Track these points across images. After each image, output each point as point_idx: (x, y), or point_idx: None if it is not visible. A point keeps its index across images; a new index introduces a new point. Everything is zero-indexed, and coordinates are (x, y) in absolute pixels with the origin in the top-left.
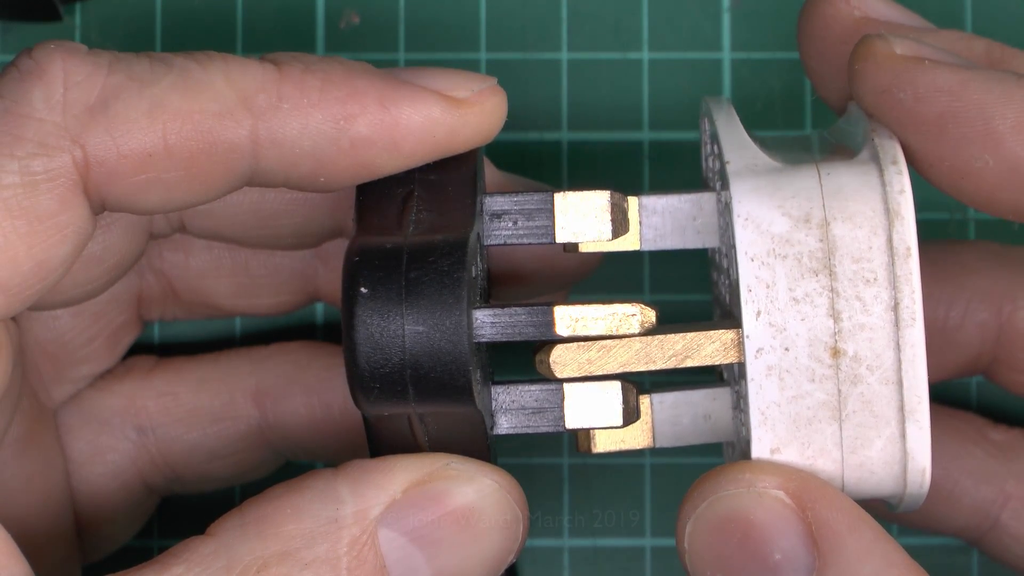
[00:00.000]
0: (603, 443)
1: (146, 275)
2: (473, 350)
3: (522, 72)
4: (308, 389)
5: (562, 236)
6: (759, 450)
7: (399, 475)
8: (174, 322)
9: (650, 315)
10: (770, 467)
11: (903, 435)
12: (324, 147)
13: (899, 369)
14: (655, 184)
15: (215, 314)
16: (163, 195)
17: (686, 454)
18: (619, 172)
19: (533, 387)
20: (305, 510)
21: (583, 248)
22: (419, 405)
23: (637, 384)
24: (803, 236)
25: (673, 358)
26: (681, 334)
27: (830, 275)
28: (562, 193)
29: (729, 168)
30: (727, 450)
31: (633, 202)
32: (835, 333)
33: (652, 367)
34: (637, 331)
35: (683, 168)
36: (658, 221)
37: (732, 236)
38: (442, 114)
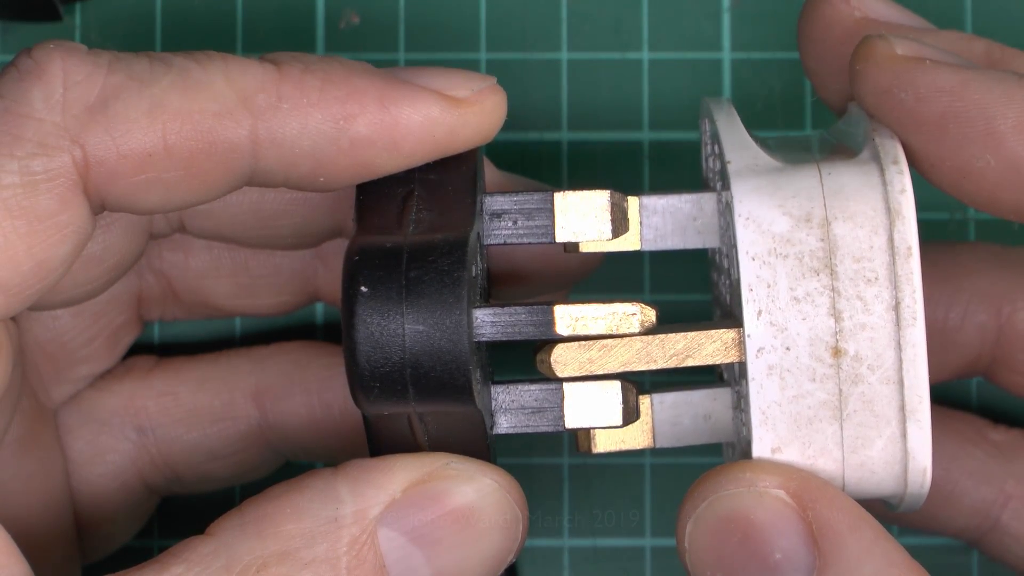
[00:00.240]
0: (603, 443)
1: (146, 275)
2: (473, 349)
3: (522, 72)
4: (308, 389)
5: (562, 236)
6: (760, 449)
7: (399, 475)
8: (174, 322)
9: (650, 314)
10: (771, 466)
11: (904, 435)
12: (324, 147)
13: (900, 369)
14: (655, 184)
15: (215, 314)
16: (163, 195)
17: (686, 454)
18: (619, 172)
19: (533, 387)
20: (305, 510)
21: (584, 248)
22: (419, 404)
23: (637, 384)
24: (804, 235)
25: (674, 357)
26: (682, 333)
27: (831, 274)
28: (562, 193)
29: (730, 168)
30: (727, 450)
31: (633, 202)
32: (836, 332)
33: (653, 366)
34: (637, 330)
35: (683, 168)
36: (658, 221)
37: (733, 236)
38: (442, 114)
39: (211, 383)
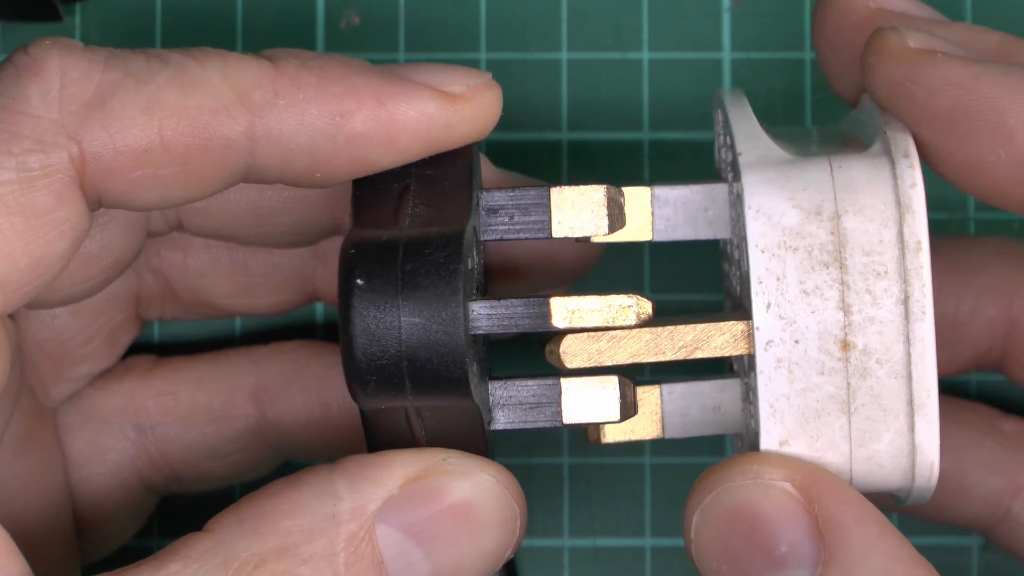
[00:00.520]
0: (612, 433)
1: (144, 274)
2: (469, 342)
3: (522, 72)
4: (307, 388)
5: (558, 231)
6: (768, 442)
7: (396, 470)
8: (173, 322)
9: (646, 306)
10: (778, 459)
11: (912, 428)
12: (320, 143)
13: (908, 363)
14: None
15: (214, 313)
16: (159, 191)
17: (686, 454)
18: (619, 172)
19: (531, 382)
20: (302, 506)
21: (595, 239)
22: (416, 398)
23: (634, 378)
24: (814, 228)
25: (683, 349)
26: (691, 325)
27: (840, 268)
28: (558, 188)
29: (741, 159)
30: (735, 442)
31: (645, 192)
32: (845, 326)
33: (662, 358)
34: (634, 322)
35: (683, 168)
36: (670, 212)
37: (743, 228)
38: (438, 109)
39: (210, 382)
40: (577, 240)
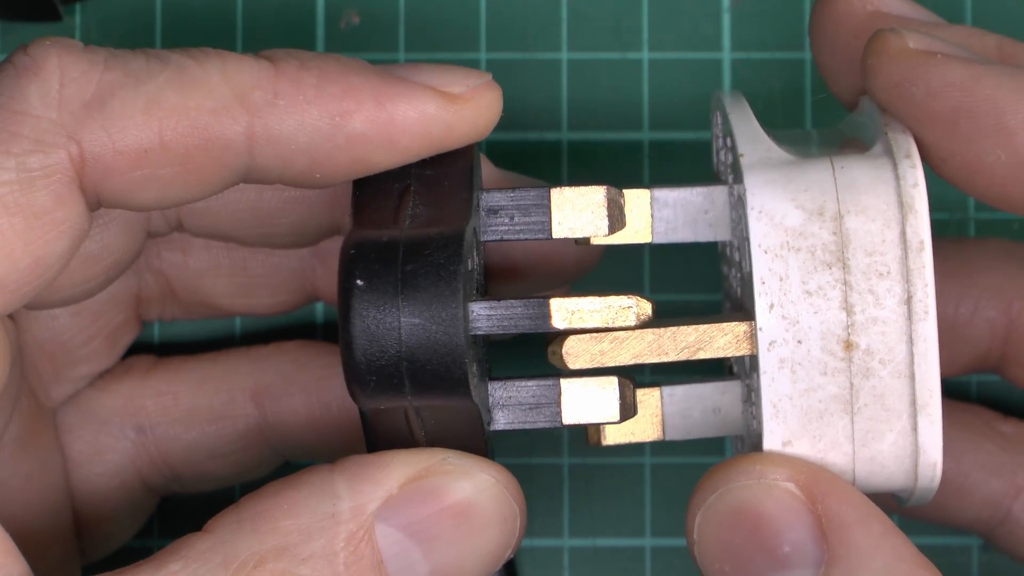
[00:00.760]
0: (613, 436)
1: (144, 275)
2: (469, 342)
3: (522, 72)
4: (307, 388)
5: (559, 232)
6: (771, 443)
7: (396, 470)
8: (173, 322)
9: (646, 307)
10: (781, 459)
11: (915, 429)
12: (320, 143)
13: (911, 363)
14: (654, 183)
15: (214, 314)
16: (159, 191)
17: (686, 454)
18: (619, 172)
19: (530, 383)
20: (302, 505)
21: (595, 241)
22: (415, 398)
23: (634, 379)
24: (817, 229)
25: (685, 350)
26: (694, 326)
27: (843, 268)
28: (558, 189)
29: (743, 161)
30: (735, 444)
31: (645, 195)
32: (848, 326)
33: (664, 359)
34: (634, 323)
35: (683, 168)
36: (670, 214)
37: (746, 228)
38: (437, 110)
39: (210, 382)
40: (577, 242)
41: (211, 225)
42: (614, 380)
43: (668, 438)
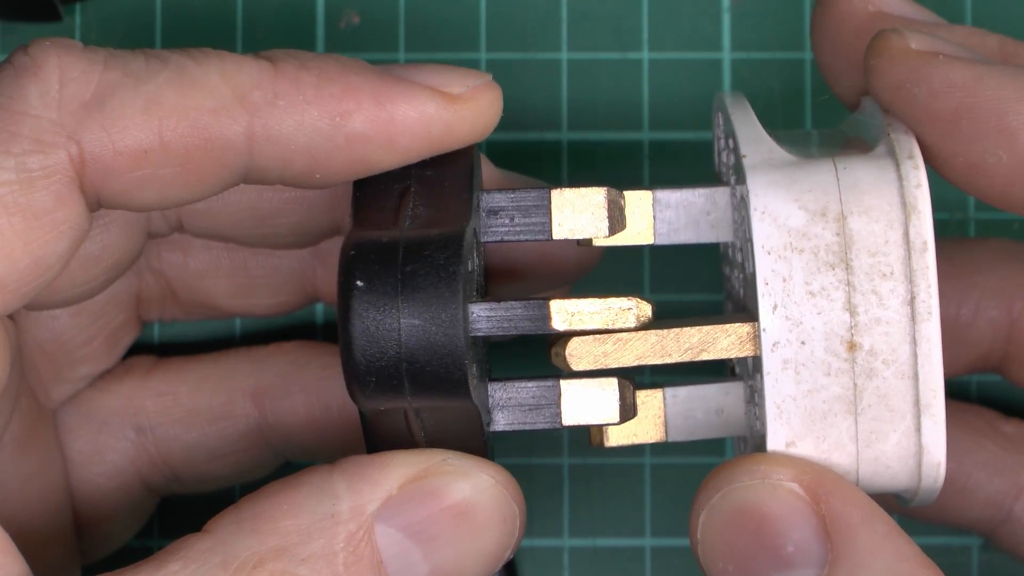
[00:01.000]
0: (616, 437)
1: (145, 275)
2: (469, 344)
3: (522, 72)
4: (306, 389)
5: (559, 233)
6: (774, 443)
7: (395, 471)
8: (173, 322)
9: (646, 309)
10: (785, 459)
11: (918, 429)
12: (319, 143)
13: (915, 363)
14: (655, 184)
15: (214, 315)
16: (159, 192)
17: (686, 454)
18: (619, 172)
19: (530, 384)
20: (301, 506)
21: (597, 242)
22: (415, 399)
23: (634, 380)
24: (820, 230)
25: (689, 351)
26: (697, 327)
27: (846, 269)
28: (559, 190)
29: (746, 161)
30: (738, 445)
31: (647, 196)
32: (851, 327)
33: (668, 360)
34: (633, 324)
35: (683, 168)
36: (672, 215)
37: (748, 230)
38: (437, 110)
39: (210, 383)
40: (579, 243)
41: (211, 226)
42: (614, 381)
43: (671, 439)
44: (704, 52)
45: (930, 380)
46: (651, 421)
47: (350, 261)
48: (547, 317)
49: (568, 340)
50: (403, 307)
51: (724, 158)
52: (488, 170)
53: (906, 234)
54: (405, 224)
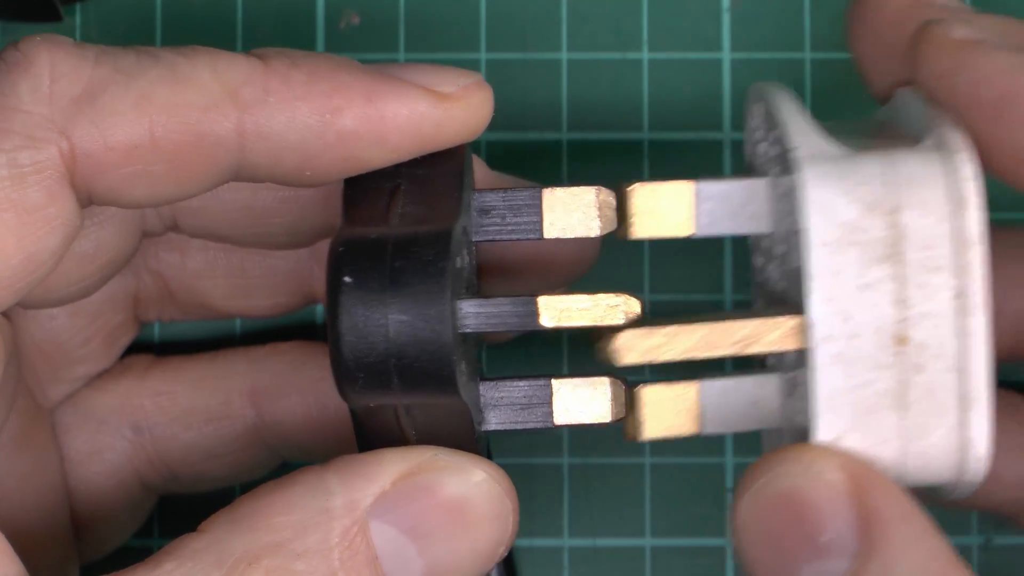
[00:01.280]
0: (651, 430)
1: (142, 276)
2: (458, 340)
3: (522, 72)
4: (303, 389)
5: (550, 232)
6: (822, 436)
7: (388, 467)
8: (171, 322)
9: (634, 305)
10: (830, 451)
11: (964, 424)
12: (310, 141)
13: (963, 357)
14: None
15: (211, 315)
16: (149, 188)
17: (686, 454)
18: (619, 172)
19: (522, 383)
20: (295, 503)
21: (632, 236)
22: (404, 395)
23: (626, 379)
24: (872, 223)
25: (736, 345)
26: (745, 321)
27: (897, 263)
28: (550, 189)
29: (797, 153)
30: (769, 438)
31: (688, 188)
32: (901, 321)
33: (716, 353)
34: (622, 322)
35: (683, 168)
36: (711, 207)
37: (799, 222)
38: (428, 108)
39: (207, 382)
40: (615, 235)
41: (206, 225)
42: (606, 380)
43: (706, 432)
44: (704, 52)
45: (978, 374)
46: (687, 414)
47: (339, 257)
48: (535, 313)
49: (617, 335)
50: (391, 303)
51: (762, 150)
52: (481, 171)
53: (957, 228)
54: (395, 222)
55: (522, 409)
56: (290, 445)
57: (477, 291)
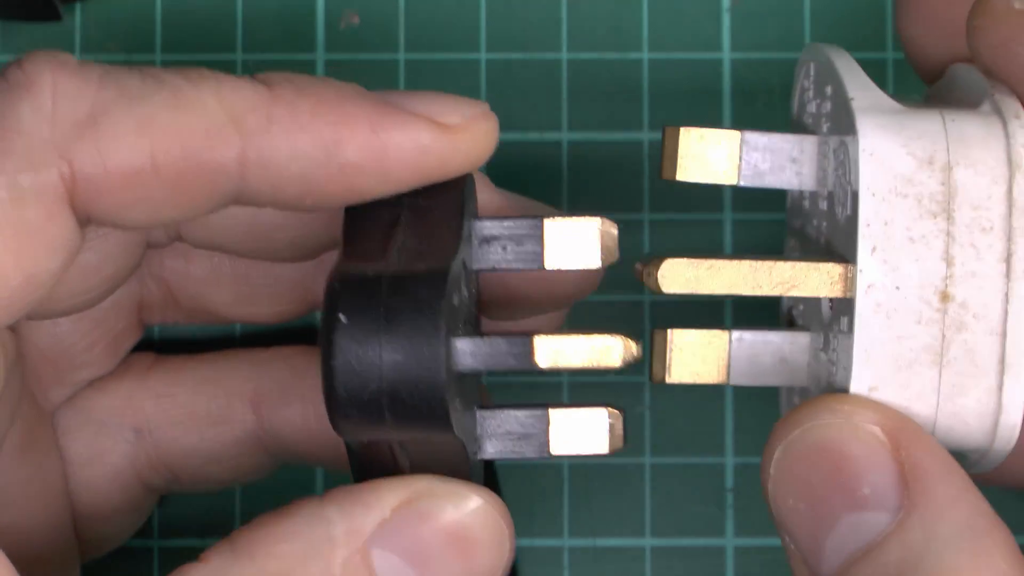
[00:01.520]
0: (678, 373)
1: (147, 282)
2: (452, 378)
3: (522, 72)
4: (304, 398)
5: (551, 263)
6: (858, 386)
7: (386, 495)
8: (175, 324)
9: (632, 348)
10: (868, 402)
11: (1000, 388)
12: (312, 171)
13: (1005, 321)
14: (654, 185)
15: (215, 321)
16: (149, 211)
17: (686, 454)
18: (619, 172)
19: (519, 412)
20: (296, 532)
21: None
22: (398, 431)
23: (623, 410)
24: (925, 178)
25: (780, 285)
26: (791, 263)
27: (948, 219)
28: (552, 219)
29: (855, 104)
30: (791, 398)
31: (736, 136)
32: (946, 277)
33: (757, 292)
34: (618, 364)
35: None
36: (758, 158)
37: (853, 172)
38: (432, 140)
39: (209, 386)
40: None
41: (210, 237)
42: (603, 412)
43: (732, 383)
44: (704, 52)
45: (1018, 340)
46: (715, 363)
47: (334, 295)
48: (530, 353)
49: (662, 261)
50: (385, 343)
51: (813, 108)
52: (486, 191)
53: (1010, 191)
54: (393, 256)
55: (519, 439)
56: (290, 452)
57: (476, 320)
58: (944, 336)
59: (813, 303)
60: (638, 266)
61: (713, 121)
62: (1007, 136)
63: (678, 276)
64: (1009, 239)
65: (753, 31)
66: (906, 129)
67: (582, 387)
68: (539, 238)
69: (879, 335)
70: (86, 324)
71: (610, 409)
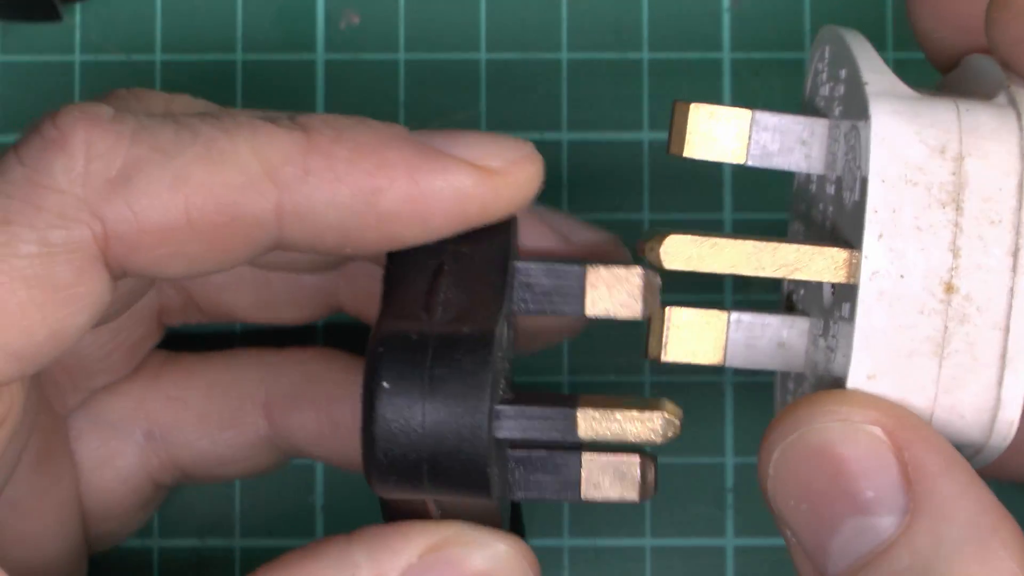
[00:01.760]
0: (674, 353)
1: (165, 288)
2: (493, 446)
3: (522, 72)
4: (317, 404)
5: (592, 311)
6: (856, 374)
7: (414, 540)
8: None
9: (675, 423)
10: (866, 400)
11: (1000, 383)
12: (351, 220)
13: (1009, 315)
14: (655, 185)
15: (235, 321)
16: (186, 264)
17: (685, 454)
18: (619, 172)
19: (551, 455)
20: (322, 574)
21: (688, 154)
22: (435, 494)
23: (655, 458)
24: (936, 167)
25: (783, 268)
26: (796, 246)
27: (957, 210)
28: (595, 267)
29: (869, 89)
30: (785, 383)
31: (746, 115)
32: (952, 268)
33: (760, 273)
34: (660, 441)
35: (683, 167)
36: (768, 138)
37: (863, 156)
38: (474, 187)
39: (220, 388)
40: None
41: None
42: (636, 458)
43: (728, 364)
44: (704, 52)
45: (1021, 335)
46: (712, 342)
47: (377, 359)
48: (573, 428)
49: (665, 237)
50: (429, 411)
51: (826, 91)
52: (528, 222)
53: (1020, 185)
54: (436, 311)
55: (550, 484)
56: (301, 454)
57: (512, 372)
58: (946, 328)
59: (814, 288)
60: (640, 242)
61: None
62: (1021, 129)
63: (680, 253)
64: (1017, 233)
65: (753, 31)
66: (920, 116)
67: (583, 387)
68: (581, 285)
69: (881, 323)
70: (105, 333)
71: (642, 457)
